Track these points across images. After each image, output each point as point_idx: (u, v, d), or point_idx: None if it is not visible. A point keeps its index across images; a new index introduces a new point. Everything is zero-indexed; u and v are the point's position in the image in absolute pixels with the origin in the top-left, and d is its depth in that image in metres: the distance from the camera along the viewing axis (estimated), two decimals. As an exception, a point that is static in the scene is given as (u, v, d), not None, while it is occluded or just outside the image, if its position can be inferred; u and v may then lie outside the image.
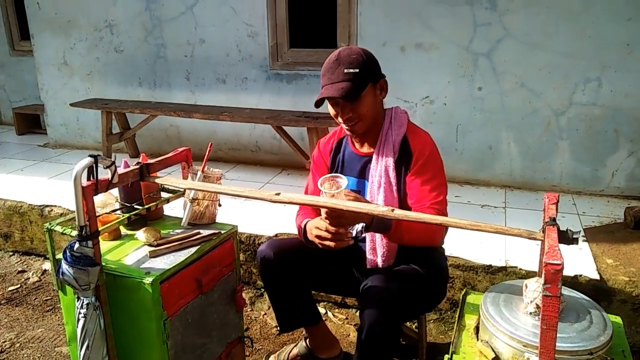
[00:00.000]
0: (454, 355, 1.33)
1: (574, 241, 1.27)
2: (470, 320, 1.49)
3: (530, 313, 1.29)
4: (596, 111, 3.28)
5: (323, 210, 1.56)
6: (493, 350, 1.31)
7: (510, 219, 3.05)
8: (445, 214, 1.69)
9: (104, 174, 1.58)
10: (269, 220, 2.99)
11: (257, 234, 2.84)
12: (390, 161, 1.75)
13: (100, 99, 4.42)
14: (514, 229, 1.33)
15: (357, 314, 2.28)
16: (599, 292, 2.35)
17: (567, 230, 1.27)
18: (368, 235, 1.83)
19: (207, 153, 1.88)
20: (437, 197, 1.70)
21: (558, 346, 1.21)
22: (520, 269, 2.45)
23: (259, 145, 4.19)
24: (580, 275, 2.38)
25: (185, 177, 1.92)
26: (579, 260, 2.52)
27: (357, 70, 1.66)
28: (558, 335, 1.25)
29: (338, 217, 1.54)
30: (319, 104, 1.72)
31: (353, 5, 3.59)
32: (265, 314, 2.75)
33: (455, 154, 3.66)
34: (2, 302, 2.90)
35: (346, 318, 2.69)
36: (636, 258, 2.51)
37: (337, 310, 2.75)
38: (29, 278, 3.14)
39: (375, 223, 1.59)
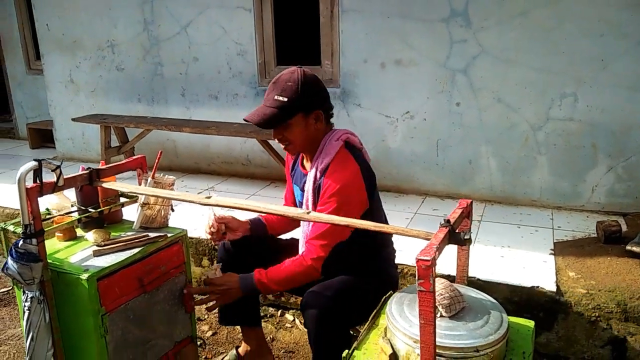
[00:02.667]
0: (355, 351, 1.39)
1: (466, 242, 1.31)
2: (383, 321, 1.54)
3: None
4: (573, 126, 3.29)
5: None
6: (392, 347, 1.36)
7: (483, 232, 3.07)
8: (317, 268, 1.76)
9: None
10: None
11: (229, 243, 2.93)
12: (311, 186, 1.83)
13: (100, 114, 4.64)
14: (413, 230, 1.39)
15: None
16: (555, 304, 2.35)
17: (459, 232, 1.32)
18: (300, 240, 1.94)
19: (157, 160, 1.99)
20: (322, 240, 1.75)
21: (445, 342, 1.27)
22: (478, 279, 2.46)
23: (249, 158, 4.32)
24: (538, 287, 2.39)
25: (139, 183, 2.04)
26: (540, 273, 2.53)
27: (285, 100, 1.70)
28: (449, 332, 1.30)
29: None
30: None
31: (335, 24, 3.71)
32: (233, 320, 2.82)
33: (437, 168, 3.70)
34: (-8, 303, 3.06)
35: (311, 326, 2.74)
36: (599, 271, 2.50)
37: (303, 318, 2.80)
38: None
39: (244, 290, 1.84)
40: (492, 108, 3.45)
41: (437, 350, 1.17)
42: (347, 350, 1.38)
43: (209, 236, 1.98)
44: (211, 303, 1.89)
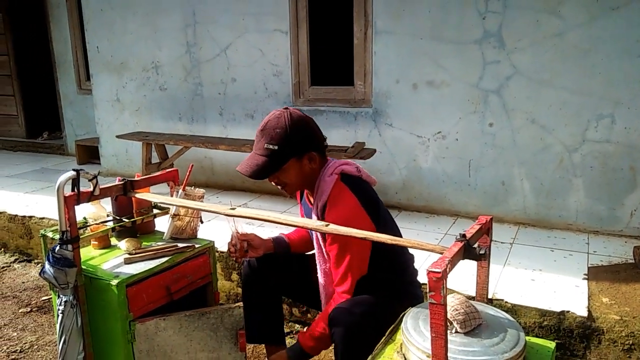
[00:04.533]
0: (369, 365, 1.40)
1: (481, 257, 1.31)
2: (400, 336, 1.54)
3: (444, 327, 1.34)
4: (610, 148, 3.20)
5: None
6: (405, 362, 1.36)
7: (514, 255, 3.01)
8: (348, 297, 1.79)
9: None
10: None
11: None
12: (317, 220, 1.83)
13: (142, 132, 4.85)
14: (429, 244, 1.40)
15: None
16: (586, 330, 2.27)
17: (475, 247, 1.32)
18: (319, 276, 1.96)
19: (188, 173, 2.08)
20: (343, 286, 1.78)
21: (458, 358, 1.26)
22: (506, 302, 2.42)
23: (282, 177, 4.39)
24: (568, 312, 2.32)
25: (171, 195, 2.13)
26: (571, 298, 2.45)
27: (275, 148, 1.69)
28: (463, 348, 1.30)
29: None
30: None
31: (368, 45, 3.78)
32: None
33: (468, 189, 3.66)
34: (34, 309, 3.22)
35: (336, 343, 2.74)
36: (634, 298, 2.40)
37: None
38: (59, 290, 3.46)
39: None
40: (526, 129, 3.40)
41: (449, 365, 1.17)
42: (361, 364, 1.39)
43: (232, 255, 1.97)
44: None
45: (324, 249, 1.87)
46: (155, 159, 4.75)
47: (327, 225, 1.54)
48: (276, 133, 1.69)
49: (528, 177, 3.47)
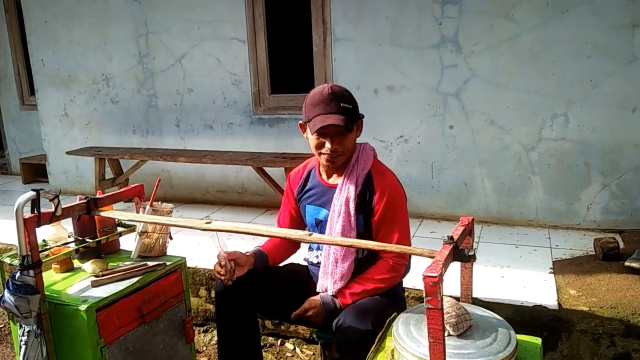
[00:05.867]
0: (362, 375, 1.36)
1: (470, 258, 1.31)
2: (390, 343, 1.51)
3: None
4: (565, 146, 3.33)
5: None
6: (400, 369, 1.33)
7: (481, 253, 3.06)
8: (404, 264, 1.86)
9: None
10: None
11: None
12: (352, 193, 1.83)
13: (94, 147, 4.64)
14: (417, 248, 1.39)
15: (320, 349, 2.28)
16: (558, 322, 2.33)
17: (464, 249, 1.31)
18: (322, 260, 1.90)
19: (155, 188, 1.98)
20: (397, 239, 1.81)
21: (455, 361, 1.25)
22: (480, 300, 2.44)
23: (245, 187, 4.31)
24: (540, 306, 2.38)
25: (137, 212, 2.03)
26: (542, 292, 2.51)
27: (350, 107, 1.77)
28: (458, 351, 1.29)
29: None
30: (319, 131, 1.76)
31: (328, 52, 3.78)
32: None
33: (432, 190, 3.71)
34: (-16, 342, 2.99)
35: (313, 354, 2.70)
36: (600, 288, 2.49)
37: (305, 346, 2.76)
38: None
39: (325, 305, 1.83)
40: (485, 130, 3.49)
41: (446, 369, 1.15)
42: (355, 374, 1.35)
43: (220, 277, 1.83)
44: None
45: (352, 220, 1.83)
46: (109, 174, 4.56)
47: (310, 235, 1.50)
48: (346, 96, 1.78)
49: (489, 177, 3.56)
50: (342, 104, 1.75)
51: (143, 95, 4.51)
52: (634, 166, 3.22)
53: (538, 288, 2.56)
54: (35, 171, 5.75)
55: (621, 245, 2.97)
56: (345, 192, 1.84)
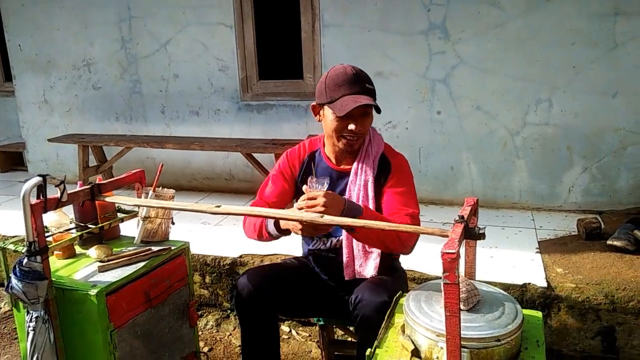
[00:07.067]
0: (377, 349, 1.41)
1: (480, 236, 1.37)
2: (399, 319, 1.57)
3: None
4: (549, 130, 3.44)
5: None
6: (413, 343, 1.39)
7: (470, 235, 3.15)
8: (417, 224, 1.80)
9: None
10: (234, 243, 3.07)
11: (222, 256, 2.92)
12: (370, 176, 1.82)
13: (77, 134, 4.56)
14: (429, 228, 1.44)
15: (319, 330, 2.32)
16: (547, 299, 2.43)
17: (474, 227, 1.37)
18: (344, 248, 1.87)
19: (158, 173, 1.98)
20: (411, 208, 1.80)
21: (468, 334, 1.30)
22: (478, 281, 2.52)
23: (232, 173, 4.31)
24: (529, 284, 2.47)
25: (139, 197, 2.02)
26: (530, 270, 2.61)
27: (373, 88, 1.77)
28: (469, 324, 1.34)
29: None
30: (347, 113, 1.69)
31: (316, 38, 3.78)
32: (231, 334, 2.80)
33: (420, 175, 3.78)
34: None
35: (309, 335, 2.75)
36: (585, 266, 2.60)
37: (300, 328, 2.81)
38: (0, 307, 3.18)
39: (347, 208, 1.63)
40: (472, 115, 3.57)
41: (460, 342, 1.21)
42: (369, 349, 1.40)
43: (301, 233, 1.69)
44: (299, 227, 1.66)
45: (370, 203, 1.80)
46: (92, 162, 4.49)
47: (322, 217, 1.53)
48: (368, 78, 1.77)
49: (475, 161, 3.65)
50: (366, 85, 1.74)
51: (126, 81, 4.43)
52: (613, 149, 3.35)
53: (526, 267, 2.66)
54: (13, 159, 5.60)
55: (602, 225, 3.10)
56: (362, 176, 1.82)
